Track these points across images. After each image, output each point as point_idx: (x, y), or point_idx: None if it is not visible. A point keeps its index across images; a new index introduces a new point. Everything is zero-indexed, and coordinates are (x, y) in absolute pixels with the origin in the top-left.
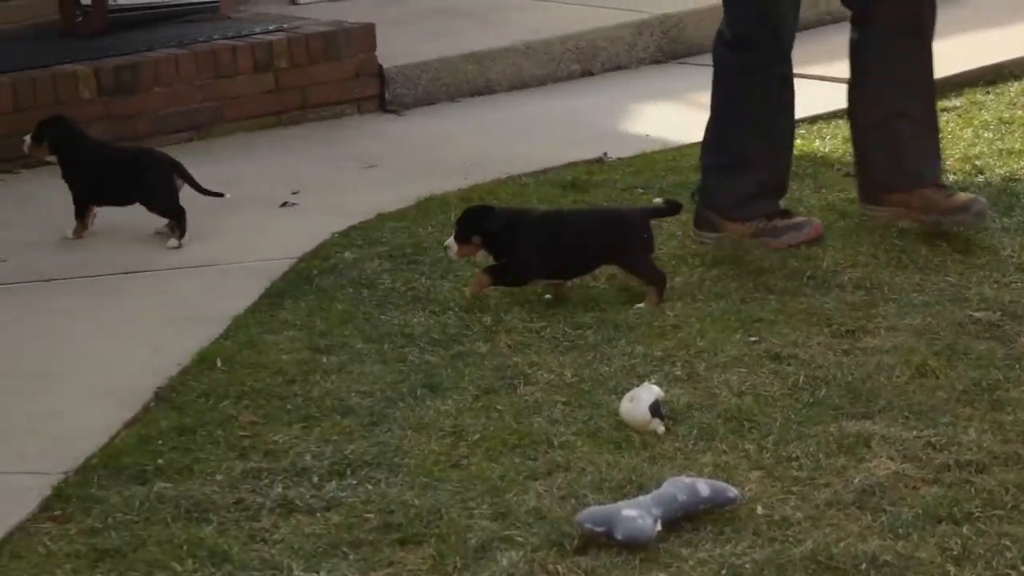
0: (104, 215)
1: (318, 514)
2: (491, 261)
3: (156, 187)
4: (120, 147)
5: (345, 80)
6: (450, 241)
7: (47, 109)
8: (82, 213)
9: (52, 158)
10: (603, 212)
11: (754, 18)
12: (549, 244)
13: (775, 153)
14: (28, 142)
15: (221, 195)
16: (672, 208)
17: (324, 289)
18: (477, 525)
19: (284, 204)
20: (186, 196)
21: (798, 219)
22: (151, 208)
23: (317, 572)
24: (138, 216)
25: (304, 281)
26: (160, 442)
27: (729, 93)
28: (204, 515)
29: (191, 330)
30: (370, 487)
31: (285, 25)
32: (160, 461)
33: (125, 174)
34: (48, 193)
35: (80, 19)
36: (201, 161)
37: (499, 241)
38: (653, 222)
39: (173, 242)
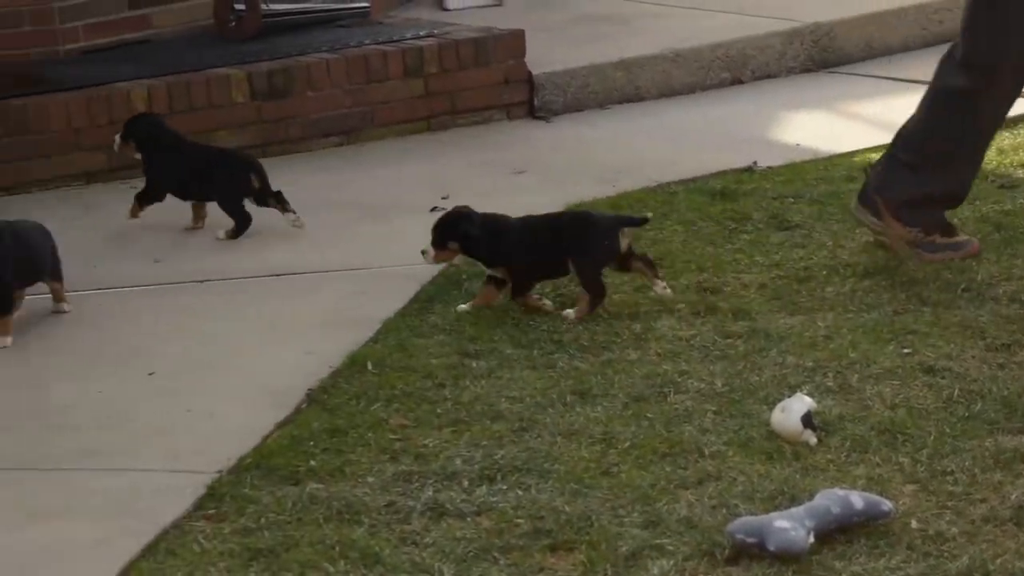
0: (257, 217)
1: (469, 518)
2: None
3: (226, 187)
4: (202, 145)
5: (494, 86)
6: (427, 247)
7: (201, 112)
8: (146, 202)
9: (139, 156)
10: (572, 214)
11: (998, 52)
12: (526, 247)
13: (964, 171)
14: (117, 141)
15: (290, 213)
16: (640, 220)
17: (473, 294)
18: (627, 533)
19: (434, 209)
20: (341, 202)
21: (959, 238)
22: (220, 206)
23: None
24: (278, 230)
25: (453, 286)
26: (312, 443)
27: (946, 104)
28: (356, 517)
29: (342, 333)
30: (520, 492)
31: (435, 31)
32: (312, 462)
33: (201, 171)
34: None
35: (234, 23)
36: (352, 166)
37: (479, 245)
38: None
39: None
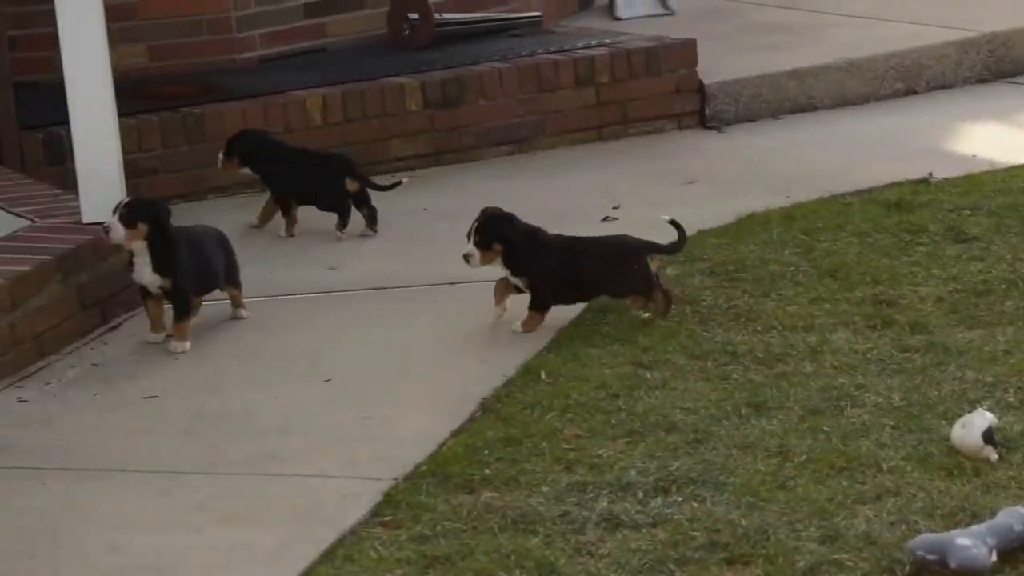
0: (430, 226)
1: (644, 530)
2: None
3: (324, 188)
4: (302, 150)
5: (666, 95)
6: (471, 249)
7: (374, 121)
8: (285, 213)
9: (246, 170)
10: (608, 241)
11: None
12: (562, 267)
13: None
14: (220, 159)
15: (399, 182)
16: (675, 247)
17: (648, 305)
18: (805, 547)
19: (605, 219)
20: (514, 211)
21: None
22: (320, 207)
23: None
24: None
25: None
26: (486, 452)
27: None
28: (531, 526)
29: (515, 342)
30: (696, 505)
31: (607, 40)
32: (487, 471)
33: (305, 176)
34: (385, 204)
35: (407, 32)
36: (523, 174)
37: (515, 251)
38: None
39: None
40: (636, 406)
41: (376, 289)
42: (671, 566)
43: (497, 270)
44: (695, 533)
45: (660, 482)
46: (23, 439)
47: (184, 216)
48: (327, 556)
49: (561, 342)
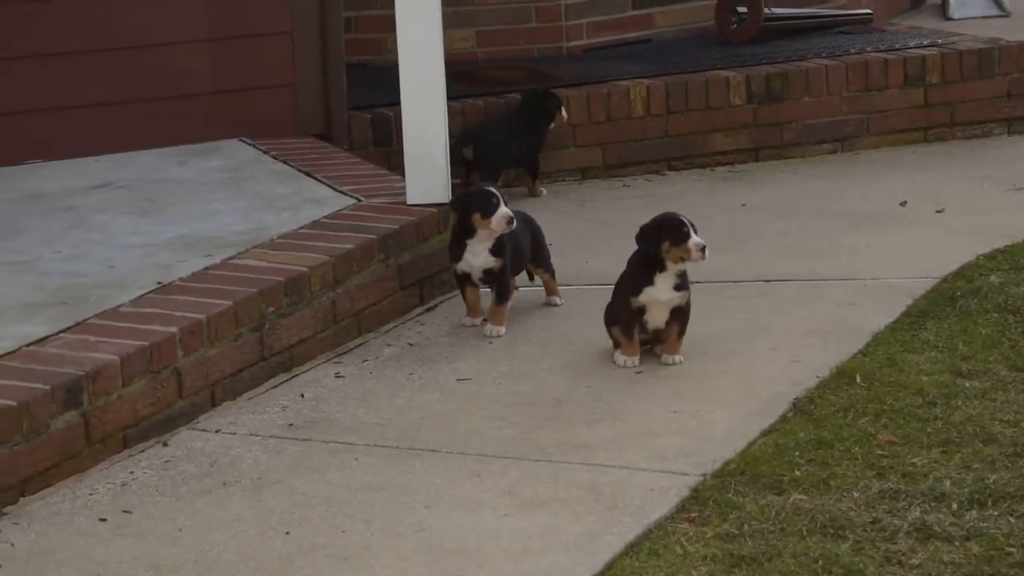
0: (747, 223)
1: (957, 542)
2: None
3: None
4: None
5: (996, 99)
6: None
7: (697, 113)
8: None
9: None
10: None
11: None
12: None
13: None
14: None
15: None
16: None
17: (967, 312)
18: None
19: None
20: (833, 210)
21: None
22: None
23: None
24: (782, 223)
25: (947, 302)
26: (797, 453)
27: None
28: (839, 532)
29: (830, 343)
30: (1012, 520)
31: (939, 40)
32: (796, 473)
33: None
34: (704, 198)
35: (735, 26)
36: (844, 174)
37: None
38: None
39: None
40: (953, 415)
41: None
42: None
43: None
44: (1011, 549)
45: (976, 495)
46: (339, 414)
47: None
48: (632, 548)
49: (877, 346)
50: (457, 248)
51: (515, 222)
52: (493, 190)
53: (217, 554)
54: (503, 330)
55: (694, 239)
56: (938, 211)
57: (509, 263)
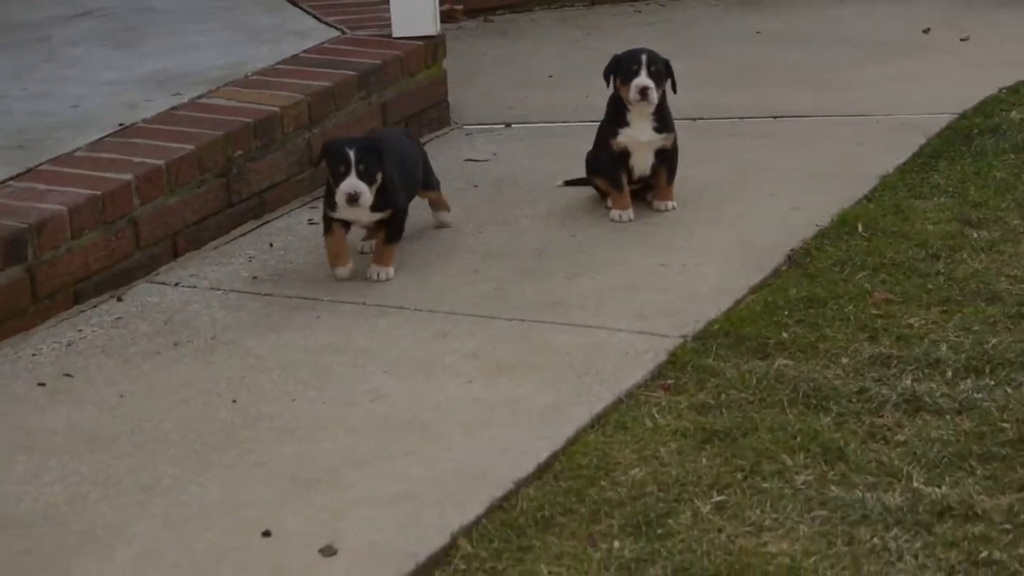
0: (763, 53)
1: (947, 416)
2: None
3: None
4: None
5: None
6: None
7: None
8: None
9: None
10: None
11: None
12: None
13: None
14: None
15: None
16: None
17: (983, 152)
18: None
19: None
20: (854, 38)
21: None
22: None
23: (939, 486)
24: (792, 67)
25: (962, 141)
26: (786, 312)
27: None
28: (823, 403)
29: (834, 187)
30: (1009, 391)
31: None
32: (784, 335)
33: None
34: (714, 25)
35: None
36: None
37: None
38: None
39: None
40: (957, 270)
41: (691, 120)
42: (972, 462)
43: None
44: (1005, 424)
45: (972, 360)
46: (307, 266)
47: (512, 28)
48: (599, 420)
49: (884, 190)
50: (330, 198)
51: (358, 198)
52: (349, 156)
53: (156, 425)
54: (392, 272)
55: (637, 80)
56: (963, 39)
57: (403, 205)
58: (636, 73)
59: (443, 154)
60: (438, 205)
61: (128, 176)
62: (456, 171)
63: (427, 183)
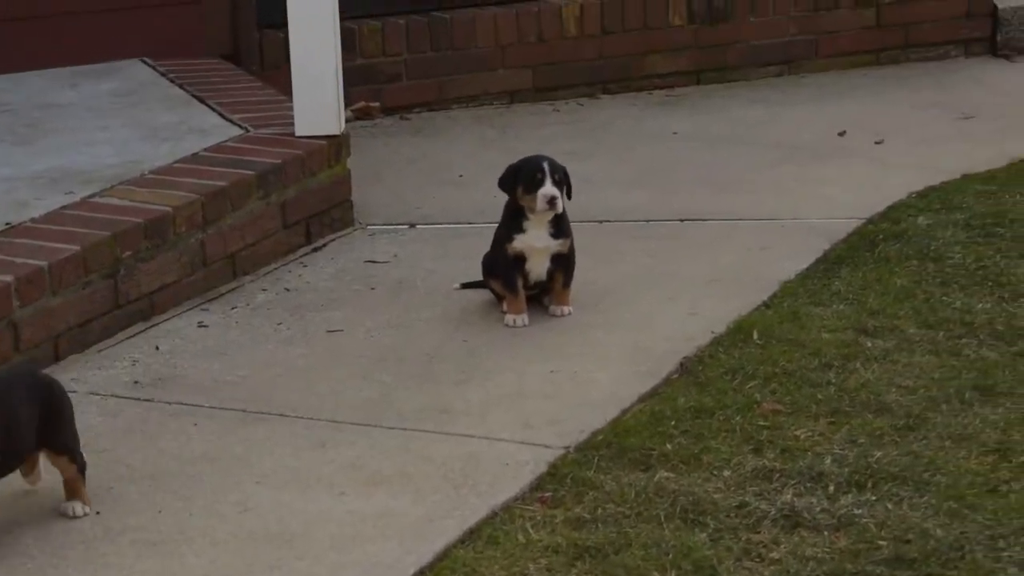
0: (675, 152)
1: (825, 533)
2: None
3: None
4: None
5: (954, 19)
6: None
7: (634, 34)
8: None
9: None
10: None
11: None
12: None
13: None
14: None
15: None
16: None
17: (886, 258)
18: (1004, 572)
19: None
20: (769, 140)
21: None
22: None
23: None
24: (705, 168)
25: (867, 247)
26: (673, 423)
27: None
28: (700, 518)
29: (734, 292)
30: (890, 507)
31: None
32: (668, 446)
33: None
34: (633, 125)
35: None
36: (787, 98)
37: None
38: None
39: None
40: (848, 380)
41: (597, 222)
42: None
43: None
44: (881, 542)
45: (855, 475)
46: (192, 370)
47: (429, 125)
48: (471, 535)
49: (783, 297)
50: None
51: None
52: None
53: (14, 538)
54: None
55: (543, 189)
56: (877, 142)
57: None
58: (541, 183)
59: (343, 255)
60: (72, 492)
61: (8, 278)
62: (355, 273)
63: (49, 441)
